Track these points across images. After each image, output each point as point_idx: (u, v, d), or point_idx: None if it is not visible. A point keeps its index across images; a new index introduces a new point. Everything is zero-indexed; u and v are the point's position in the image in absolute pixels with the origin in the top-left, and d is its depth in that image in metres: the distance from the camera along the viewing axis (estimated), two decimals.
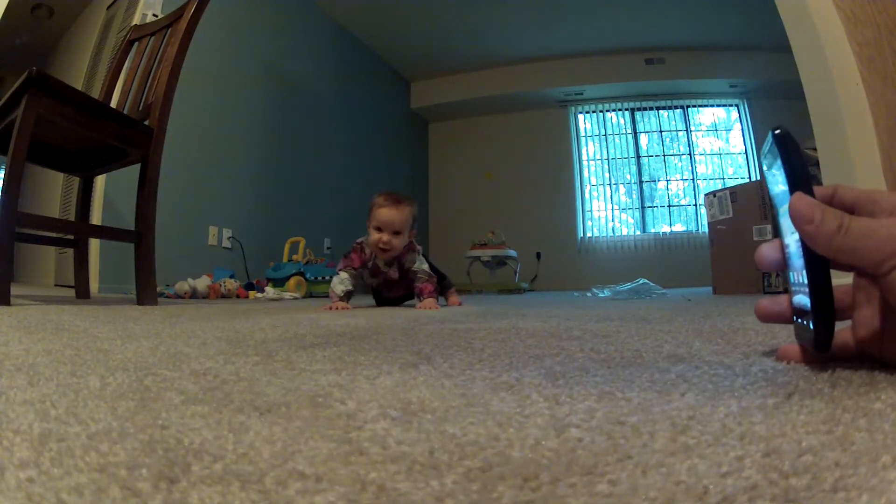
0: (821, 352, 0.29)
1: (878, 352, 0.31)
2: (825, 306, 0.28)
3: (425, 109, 5.20)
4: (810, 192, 0.29)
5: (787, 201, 0.29)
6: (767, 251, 0.33)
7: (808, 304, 0.29)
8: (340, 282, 1.36)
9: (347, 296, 1.36)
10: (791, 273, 0.32)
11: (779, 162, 0.30)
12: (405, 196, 1.40)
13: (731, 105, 4.74)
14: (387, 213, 1.33)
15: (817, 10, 1.16)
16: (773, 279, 2.07)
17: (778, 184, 0.31)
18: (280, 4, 3.32)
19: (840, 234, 0.27)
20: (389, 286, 1.48)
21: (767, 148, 0.31)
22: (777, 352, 0.35)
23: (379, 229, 1.34)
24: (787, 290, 0.34)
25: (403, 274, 1.43)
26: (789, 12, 1.28)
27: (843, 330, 0.32)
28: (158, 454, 0.18)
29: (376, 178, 4.17)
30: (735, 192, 2.26)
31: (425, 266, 1.42)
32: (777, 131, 0.30)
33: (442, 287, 1.58)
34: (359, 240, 1.41)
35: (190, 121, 2.49)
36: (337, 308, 1.26)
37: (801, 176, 0.29)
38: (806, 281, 0.29)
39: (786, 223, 0.30)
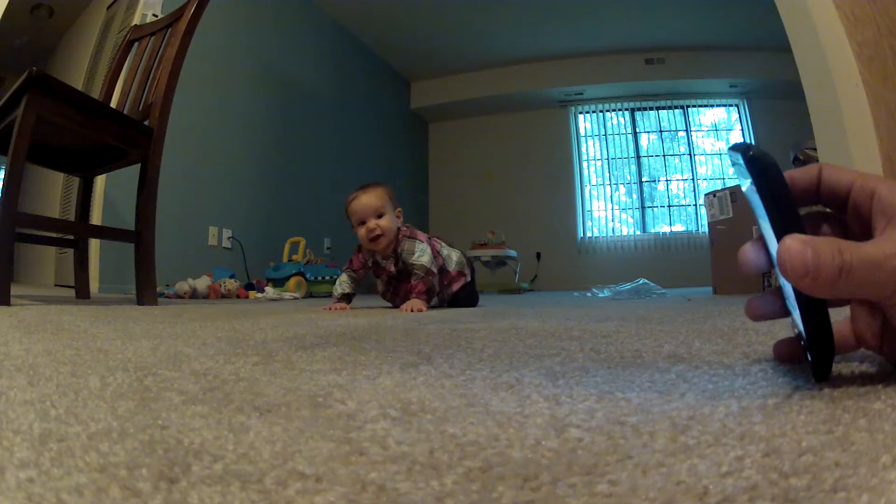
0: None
1: (878, 347, 0.30)
2: (825, 344, 0.26)
3: (425, 109, 5.20)
4: (797, 221, 0.26)
5: (767, 217, 0.27)
6: (751, 255, 0.29)
7: (802, 327, 0.27)
8: (339, 284, 1.37)
9: (346, 298, 1.35)
10: (780, 279, 0.29)
11: (751, 181, 0.27)
12: (374, 181, 1.35)
13: (731, 105, 4.74)
14: (359, 201, 1.28)
15: (817, 10, 1.16)
16: (773, 280, 2.06)
17: (754, 197, 0.28)
18: (280, 5, 3.32)
19: (841, 279, 0.23)
20: (395, 290, 1.36)
21: (737, 162, 0.28)
22: (773, 349, 0.34)
23: (362, 222, 1.28)
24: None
25: (404, 269, 1.30)
26: (789, 12, 1.28)
27: (840, 322, 0.30)
28: (158, 454, 0.18)
29: (376, 178, 4.14)
30: (735, 192, 2.26)
31: (426, 258, 1.27)
32: (751, 153, 0.26)
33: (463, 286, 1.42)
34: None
35: (190, 121, 2.48)
36: (334, 309, 1.25)
37: (785, 210, 0.26)
38: (797, 306, 0.27)
39: (768, 233, 0.28)
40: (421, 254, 1.27)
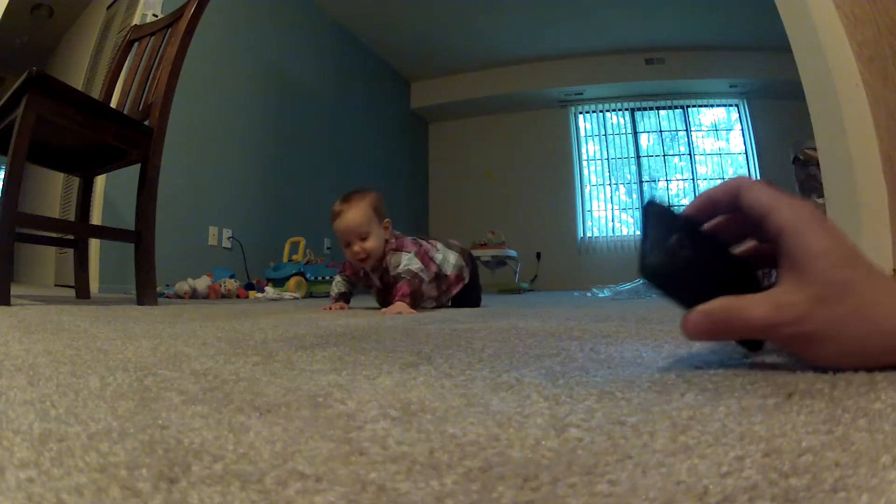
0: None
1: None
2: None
3: (425, 109, 5.20)
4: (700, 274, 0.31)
5: None
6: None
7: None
8: (335, 284, 1.36)
9: (344, 297, 1.33)
10: None
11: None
12: (357, 190, 1.26)
13: (731, 105, 4.74)
14: (340, 221, 1.20)
15: (817, 10, 1.16)
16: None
17: None
18: (280, 4, 3.32)
19: (735, 337, 0.30)
20: (386, 299, 1.30)
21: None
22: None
23: (347, 243, 1.22)
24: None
25: (389, 281, 1.25)
26: (789, 12, 1.28)
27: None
28: (158, 454, 0.18)
29: (376, 178, 4.17)
30: None
31: (415, 266, 1.21)
32: (647, 201, 0.32)
33: (464, 299, 1.40)
34: None
35: (190, 121, 2.48)
36: (333, 308, 1.24)
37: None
38: None
39: None
40: (408, 262, 1.21)
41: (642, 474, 0.16)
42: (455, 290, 1.36)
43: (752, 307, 0.28)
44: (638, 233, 0.34)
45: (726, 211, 0.32)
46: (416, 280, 1.19)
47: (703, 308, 0.29)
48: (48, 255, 2.73)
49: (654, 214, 0.32)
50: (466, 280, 1.39)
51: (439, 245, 1.38)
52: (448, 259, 1.35)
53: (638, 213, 4.83)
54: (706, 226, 0.34)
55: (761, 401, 0.24)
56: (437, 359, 0.40)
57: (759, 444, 0.18)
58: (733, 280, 0.31)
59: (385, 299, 1.30)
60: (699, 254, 0.31)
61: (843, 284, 0.26)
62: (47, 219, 1.62)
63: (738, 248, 0.34)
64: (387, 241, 1.25)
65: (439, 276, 1.32)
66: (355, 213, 1.20)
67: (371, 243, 1.20)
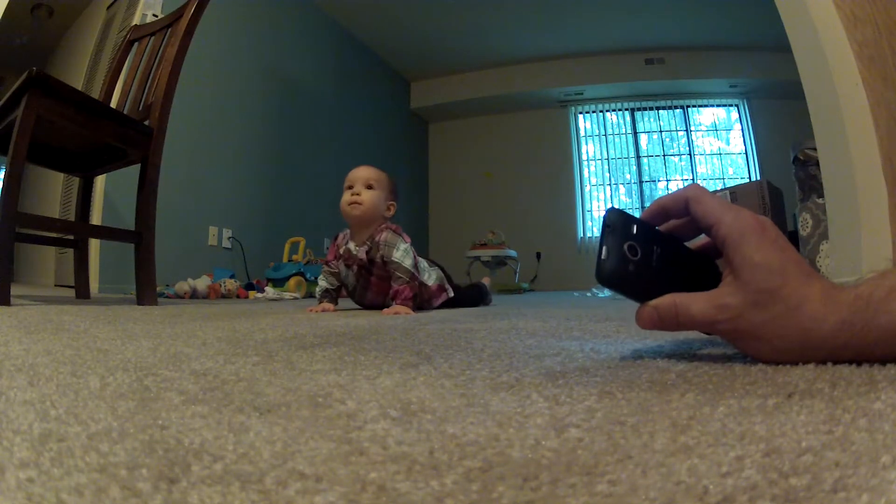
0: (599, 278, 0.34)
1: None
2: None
3: (425, 109, 5.20)
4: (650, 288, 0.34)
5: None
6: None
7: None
8: (321, 281, 1.28)
9: (329, 295, 1.25)
10: None
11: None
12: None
13: (731, 105, 4.74)
14: (357, 169, 1.25)
15: (817, 10, 1.16)
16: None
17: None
18: (280, 4, 3.32)
19: (680, 329, 0.33)
20: (365, 285, 1.22)
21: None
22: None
23: (350, 187, 1.22)
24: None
25: (376, 264, 1.18)
26: (789, 12, 1.28)
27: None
28: (158, 454, 0.18)
29: None
30: (735, 193, 2.26)
31: (409, 262, 1.15)
32: (605, 216, 0.35)
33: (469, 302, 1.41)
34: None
35: (190, 121, 2.48)
36: (316, 311, 1.14)
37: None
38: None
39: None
40: (405, 255, 1.16)
41: (642, 474, 0.16)
42: (437, 302, 1.29)
43: (695, 304, 0.32)
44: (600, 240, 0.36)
45: (678, 217, 0.36)
46: (415, 282, 1.16)
47: (653, 303, 0.33)
48: (48, 255, 2.73)
49: (612, 224, 0.35)
50: (451, 295, 1.33)
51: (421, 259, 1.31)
52: (429, 272, 1.31)
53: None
54: (663, 227, 0.38)
55: (761, 401, 0.24)
56: (437, 359, 0.40)
57: (759, 444, 0.18)
58: (694, 270, 0.36)
59: (366, 281, 1.22)
60: (650, 257, 0.35)
61: (774, 292, 0.30)
62: (47, 219, 1.62)
63: (696, 243, 0.38)
64: (385, 220, 1.24)
65: (422, 285, 1.25)
66: (372, 170, 1.26)
67: (371, 195, 1.20)
